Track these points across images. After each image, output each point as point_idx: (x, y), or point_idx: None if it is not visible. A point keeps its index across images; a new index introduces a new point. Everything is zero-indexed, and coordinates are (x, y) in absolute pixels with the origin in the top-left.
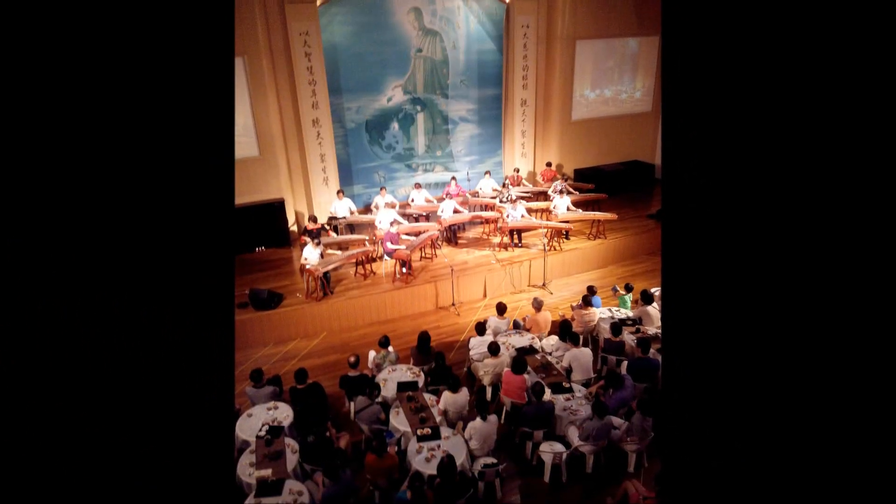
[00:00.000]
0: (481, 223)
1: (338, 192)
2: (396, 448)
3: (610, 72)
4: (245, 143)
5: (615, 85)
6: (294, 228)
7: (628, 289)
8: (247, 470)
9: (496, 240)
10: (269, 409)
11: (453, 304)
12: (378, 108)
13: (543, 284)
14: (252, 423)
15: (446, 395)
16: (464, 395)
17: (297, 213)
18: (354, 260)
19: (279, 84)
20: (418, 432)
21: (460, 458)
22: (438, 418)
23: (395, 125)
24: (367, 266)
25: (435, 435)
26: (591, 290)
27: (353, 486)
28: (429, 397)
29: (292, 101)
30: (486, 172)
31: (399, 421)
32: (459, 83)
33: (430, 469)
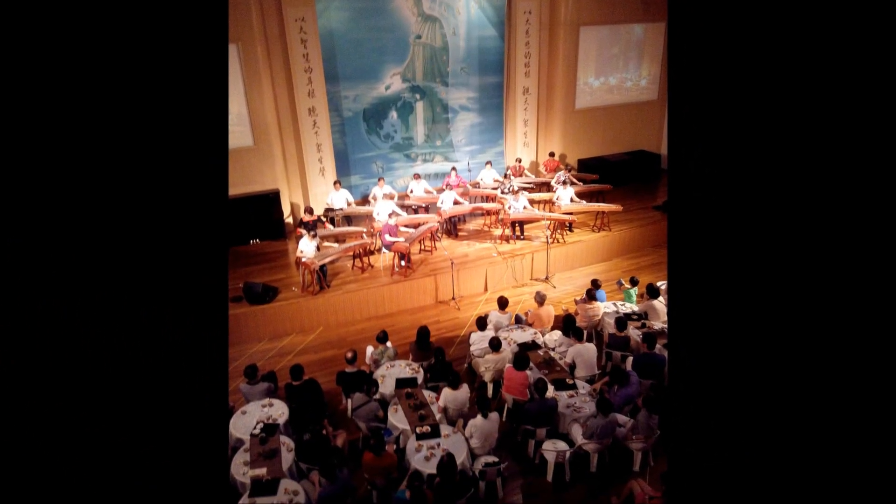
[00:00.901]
0: (482, 215)
1: (335, 183)
2: (395, 446)
3: (615, 59)
4: (239, 133)
5: (620, 72)
6: (290, 220)
7: (633, 282)
8: (241, 469)
9: (497, 232)
10: (263, 406)
11: (453, 299)
12: (376, 97)
13: (546, 278)
14: (246, 421)
15: (446, 392)
16: (464, 391)
17: (292, 205)
18: (352, 253)
19: (274, 72)
20: (417, 430)
21: (461, 457)
22: (438, 416)
23: (393, 114)
24: (365, 259)
25: (434, 433)
26: (596, 284)
27: (350, 485)
28: (428, 394)
29: (288, 89)
30: (488, 163)
31: (397, 418)
32: (460, 71)
33: (430, 468)
